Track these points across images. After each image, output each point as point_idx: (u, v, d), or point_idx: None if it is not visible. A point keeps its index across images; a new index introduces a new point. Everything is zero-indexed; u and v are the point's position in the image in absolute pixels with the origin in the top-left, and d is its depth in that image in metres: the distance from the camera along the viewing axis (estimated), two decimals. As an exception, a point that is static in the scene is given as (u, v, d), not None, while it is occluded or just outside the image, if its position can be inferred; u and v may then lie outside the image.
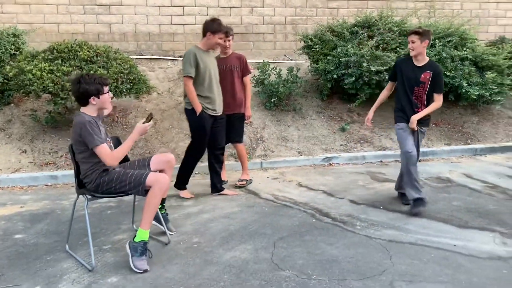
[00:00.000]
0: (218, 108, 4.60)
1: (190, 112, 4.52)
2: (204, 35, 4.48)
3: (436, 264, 3.20)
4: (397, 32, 7.17)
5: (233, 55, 4.98)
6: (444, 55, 6.91)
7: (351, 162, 6.24)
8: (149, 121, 3.32)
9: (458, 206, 4.40)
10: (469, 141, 7.02)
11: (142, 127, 3.26)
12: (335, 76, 6.89)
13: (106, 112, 3.44)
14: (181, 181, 4.76)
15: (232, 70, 4.90)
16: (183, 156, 4.75)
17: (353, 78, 6.77)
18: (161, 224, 3.64)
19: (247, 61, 5.07)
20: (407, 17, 7.63)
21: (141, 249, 3.17)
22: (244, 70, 4.98)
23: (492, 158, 6.54)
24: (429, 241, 3.60)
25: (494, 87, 6.97)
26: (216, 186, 4.82)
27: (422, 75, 4.20)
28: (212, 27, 4.41)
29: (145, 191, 3.20)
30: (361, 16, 7.58)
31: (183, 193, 4.75)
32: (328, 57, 7.06)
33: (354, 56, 6.71)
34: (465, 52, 7.02)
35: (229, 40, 4.84)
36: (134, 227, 3.88)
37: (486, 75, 6.94)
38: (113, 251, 3.45)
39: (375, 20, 7.38)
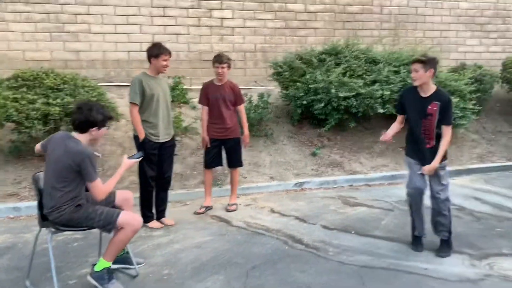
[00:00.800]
0: (161, 134, 4.55)
1: (135, 139, 4.54)
2: (149, 61, 4.54)
3: (408, 288, 3.21)
4: (363, 59, 7.36)
5: (227, 84, 5.11)
6: (409, 81, 7.12)
7: (323, 187, 6.27)
8: (138, 158, 3.36)
9: (428, 229, 4.45)
10: (435, 164, 7.18)
11: (130, 162, 3.26)
12: (304, 102, 6.98)
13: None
14: (143, 214, 4.63)
15: (224, 98, 5.03)
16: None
17: (322, 104, 6.88)
18: (130, 263, 3.52)
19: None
20: (373, 44, 7.87)
21: (108, 275, 3.13)
22: (238, 100, 5.11)
23: (458, 180, 6.70)
24: (401, 265, 3.61)
25: (457, 111, 7.21)
26: (146, 215, 4.63)
27: (429, 107, 3.76)
28: (153, 51, 4.48)
29: (113, 230, 3.13)
30: (328, 44, 7.76)
31: (150, 224, 4.64)
32: (297, 83, 7.17)
33: (322, 83, 6.84)
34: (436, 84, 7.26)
35: (222, 68, 5.00)
36: (102, 260, 3.74)
37: (449, 100, 7.17)
38: (79, 286, 3.31)
39: (342, 48, 7.57)
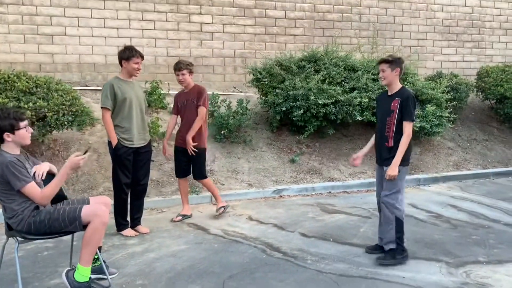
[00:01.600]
0: (135, 139, 4.45)
1: (109, 144, 4.43)
2: (120, 64, 4.47)
3: (386, 298, 3.18)
4: (342, 67, 7.40)
5: (194, 89, 4.99)
6: (386, 88, 7.17)
7: (301, 194, 6.24)
8: (84, 154, 3.13)
9: (405, 237, 4.45)
10: (413, 171, 7.25)
11: (74, 160, 3.05)
12: (283, 108, 6.96)
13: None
14: (117, 222, 4.54)
15: (190, 104, 4.92)
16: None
17: (301, 111, 6.87)
18: (103, 273, 3.40)
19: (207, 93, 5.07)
20: (351, 52, 7.93)
21: None
22: (198, 102, 4.91)
23: (435, 187, 6.78)
24: (379, 274, 3.59)
25: (434, 119, 7.30)
26: (120, 223, 4.55)
27: (392, 104, 3.83)
28: (125, 54, 4.41)
29: (83, 226, 3.00)
30: (308, 51, 7.78)
31: (124, 232, 4.52)
32: (277, 90, 7.15)
33: (301, 90, 6.83)
34: (407, 86, 7.33)
35: (183, 74, 4.88)
36: (72, 270, 3.60)
37: (426, 108, 7.27)
38: (48, 297, 3.17)
39: (321, 55, 7.60)
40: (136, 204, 4.65)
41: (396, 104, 3.79)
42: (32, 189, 2.93)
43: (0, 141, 3.01)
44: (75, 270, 3.06)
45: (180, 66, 4.91)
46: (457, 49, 10.46)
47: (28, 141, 3.11)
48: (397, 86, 3.89)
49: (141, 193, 4.67)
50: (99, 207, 3.04)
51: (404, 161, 3.80)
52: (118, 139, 4.35)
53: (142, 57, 4.48)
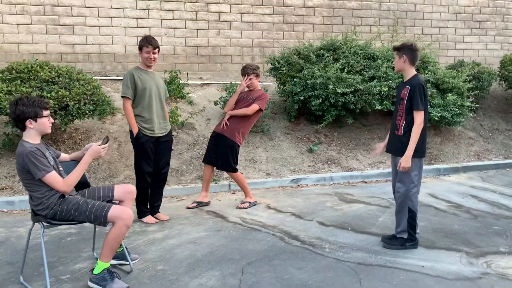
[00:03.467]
0: (156, 128, 4.49)
1: (131, 134, 4.49)
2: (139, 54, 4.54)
3: (405, 287, 3.17)
4: (361, 55, 7.32)
5: (259, 91, 5.13)
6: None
7: (319, 183, 6.24)
8: (105, 143, 3.19)
9: (424, 227, 4.44)
10: (432, 161, 7.17)
11: (96, 149, 3.12)
12: (302, 97, 6.94)
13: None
14: (138, 209, 4.61)
15: (249, 99, 5.03)
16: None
17: (320, 100, 6.84)
18: (126, 259, 3.48)
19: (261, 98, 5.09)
20: (371, 40, 7.83)
21: (108, 275, 3.07)
22: (255, 100, 5.01)
23: (455, 178, 6.69)
24: (398, 263, 3.58)
25: (455, 108, 7.19)
26: (141, 210, 4.62)
27: (403, 91, 3.79)
28: (139, 44, 4.47)
29: (106, 223, 3.08)
30: (327, 39, 7.71)
31: (145, 219, 4.59)
32: (295, 79, 7.12)
33: (320, 79, 6.79)
34: (427, 75, 7.23)
35: (251, 79, 5.03)
36: (95, 255, 3.69)
37: (447, 97, 7.16)
38: (72, 281, 3.26)
39: (340, 43, 7.52)
40: (156, 192, 4.71)
41: (406, 92, 3.74)
42: (53, 178, 2.98)
43: (22, 128, 3.07)
44: (92, 270, 3.14)
45: (247, 71, 5.02)
46: (479, 37, 10.22)
47: (49, 130, 3.16)
48: (410, 73, 3.83)
49: (162, 182, 4.73)
50: (125, 211, 3.09)
51: (418, 152, 3.74)
52: (139, 128, 4.41)
53: (154, 46, 4.43)
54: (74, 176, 3.07)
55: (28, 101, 3.03)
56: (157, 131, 4.51)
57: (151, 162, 4.54)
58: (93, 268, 3.14)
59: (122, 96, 4.42)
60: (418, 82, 3.72)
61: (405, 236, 3.87)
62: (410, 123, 3.73)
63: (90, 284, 3.12)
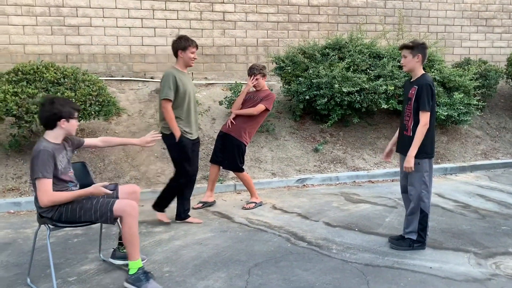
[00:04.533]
0: (194, 131, 4.46)
1: (169, 137, 4.31)
2: (176, 55, 4.39)
3: (413, 288, 3.15)
4: (367, 54, 7.28)
5: (266, 91, 5.11)
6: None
7: (325, 183, 6.22)
8: (111, 190, 3.17)
9: (432, 227, 4.40)
10: (439, 160, 7.12)
11: (100, 189, 3.03)
12: (307, 97, 6.91)
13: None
14: (161, 204, 4.56)
15: (255, 99, 5.02)
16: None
17: (325, 99, 6.81)
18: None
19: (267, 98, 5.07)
20: (376, 39, 7.78)
21: (143, 275, 3.09)
22: (262, 100, 5.00)
23: (462, 177, 6.64)
24: (405, 264, 3.56)
25: (461, 107, 7.14)
26: (180, 214, 4.59)
27: (410, 91, 3.73)
28: (181, 44, 4.34)
29: (114, 219, 3.07)
30: (332, 38, 7.68)
31: (160, 215, 4.56)
32: (300, 78, 7.09)
33: (325, 78, 6.76)
34: (433, 73, 7.18)
35: (257, 79, 5.00)
36: (101, 256, 3.70)
37: (454, 96, 7.10)
38: (79, 283, 3.26)
39: (346, 42, 7.49)
40: (188, 196, 4.61)
41: (413, 92, 3.69)
42: (44, 184, 2.94)
43: (51, 127, 3.08)
44: (128, 271, 3.16)
45: (254, 72, 5.00)
46: (486, 34, 10.14)
47: (74, 132, 3.22)
48: (418, 73, 3.76)
49: (193, 184, 4.66)
50: (129, 204, 3.09)
51: (426, 154, 3.72)
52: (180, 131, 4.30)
53: (197, 46, 4.40)
54: (62, 197, 3.01)
55: (63, 100, 3.10)
56: (194, 134, 4.45)
57: (194, 164, 4.50)
58: (128, 270, 3.16)
59: (164, 99, 4.21)
60: (426, 82, 3.66)
61: (413, 237, 3.84)
62: (417, 123, 3.68)
63: (125, 284, 3.13)
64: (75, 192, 3.05)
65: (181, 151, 4.35)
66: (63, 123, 3.07)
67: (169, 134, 4.31)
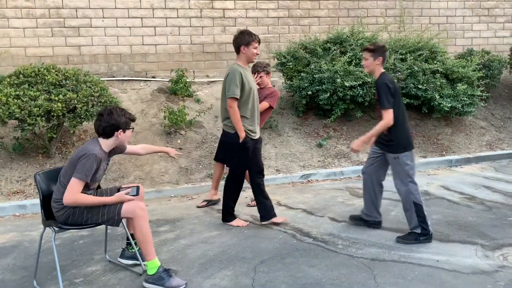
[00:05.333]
0: (257, 130, 4.33)
1: (233, 136, 4.18)
2: (238, 51, 4.22)
3: (420, 282, 3.13)
4: (369, 47, 7.23)
5: (270, 89, 5.06)
6: (416, 68, 7.00)
7: (329, 178, 6.20)
8: (134, 195, 3.20)
9: (438, 220, 4.38)
10: (444, 152, 7.09)
11: (123, 198, 3.10)
12: (309, 92, 6.88)
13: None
14: (227, 213, 4.43)
15: (259, 97, 4.89)
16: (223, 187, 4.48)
17: (328, 94, 6.78)
18: (138, 259, 3.48)
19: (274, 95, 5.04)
20: (378, 32, 7.74)
21: (165, 273, 3.11)
22: (266, 98, 4.96)
23: (467, 168, 6.61)
24: (412, 258, 3.54)
25: (465, 98, 7.09)
26: (230, 213, 4.46)
27: (375, 92, 3.97)
28: (244, 39, 4.15)
29: (119, 222, 3.08)
30: (333, 32, 7.64)
31: (235, 223, 4.41)
32: (302, 73, 7.06)
33: (327, 72, 6.73)
34: (436, 65, 7.13)
35: (261, 77, 4.95)
36: (107, 257, 3.70)
37: (457, 87, 7.06)
38: (85, 284, 3.26)
39: (347, 36, 7.45)
40: (236, 195, 4.50)
41: (376, 92, 3.91)
42: (77, 185, 2.98)
43: (108, 136, 3.14)
44: (145, 272, 3.17)
45: (257, 69, 4.95)
46: (488, 24, 10.05)
47: (126, 143, 3.32)
48: (377, 74, 3.90)
49: (262, 180, 4.55)
50: (137, 205, 3.10)
51: (404, 148, 3.83)
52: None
53: (259, 41, 4.24)
54: (86, 200, 3.04)
55: (120, 111, 3.15)
56: (257, 134, 4.32)
57: (258, 160, 4.39)
58: (145, 271, 3.18)
59: (230, 97, 4.04)
60: (382, 81, 3.80)
61: (418, 231, 3.82)
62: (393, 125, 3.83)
63: (145, 285, 3.14)
64: (100, 199, 3.08)
65: (242, 152, 4.22)
66: (120, 133, 3.14)
67: (233, 134, 4.17)
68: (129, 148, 3.53)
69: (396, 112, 3.77)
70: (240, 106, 4.13)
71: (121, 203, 3.10)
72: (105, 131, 3.13)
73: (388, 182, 5.92)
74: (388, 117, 3.74)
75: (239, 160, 4.29)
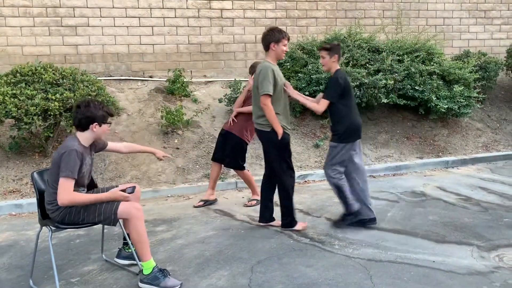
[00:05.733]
0: (289, 126, 4.33)
1: (270, 134, 4.11)
2: (267, 48, 4.20)
3: (416, 282, 3.15)
4: (366, 49, 7.26)
5: None
6: (413, 70, 7.02)
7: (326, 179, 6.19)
8: (130, 193, 3.18)
9: (434, 221, 4.40)
10: (440, 153, 7.11)
11: (119, 194, 3.08)
12: (307, 93, 6.89)
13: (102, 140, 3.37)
14: (292, 217, 4.28)
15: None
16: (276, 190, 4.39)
17: (325, 95, 6.78)
18: (134, 259, 3.47)
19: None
20: (375, 33, 7.76)
21: (160, 273, 3.11)
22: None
23: (464, 170, 6.63)
24: (408, 258, 3.55)
25: (462, 100, 7.12)
26: (293, 217, 4.32)
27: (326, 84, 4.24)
28: (274, 37, 4.12)
29: (116, 221, 3.07)
30: (330, 33, 7.65)
31: (298, 226, 4.27)
32: (299, 74, 7.07)
33: (325, 73, 6.74)
34: (433, 67, 7.16)
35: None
36: (104, 257, 3.69)
37: (454, 89, 7.08)
38: (82, 284, 3.26)
39: (344, 37, 7.46)
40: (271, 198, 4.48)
41: None
42: (68, 184, 2.96)
43: (83, 129, 3.11)
44: (141, 271, 3.16)
45: (255, 70, 4.86)
46: (485, 26, 10.10)
47: (104, 137, 3.26)
48: (333, 70, 4.17)
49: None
50: (133, 205, 3.10)
51: (339, 138, 4.15)
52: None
53: (289, 38, 4.25)
54: (82, 199, 3.02)
55: (98, 104, 3.12)
56: (290, 129, 4.32)
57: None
58: (141, 271, 3.17)
59: (265, 94, 3.99)
60: (335, 76, 4.10)
61: (346, 212, 4.25)
62: (334, 115, 4.18)
63: (141, 285, 3.14)
64: (96, 196, 3.07)
65: (283, 148, 4.16)
66: (95, 126, 3.10)
67: (270, 131, 4.11)
68: (111, 145, 3.49)
69: (342, 108, 4.10)
70: (273, 102, 4.07)
71: (117, 202, 3.10)
72: (81, 123, 3.09)
73: (385, 183, 5.96)
74: (322, 105, 4.12)
75: (280, 157, 4.18)
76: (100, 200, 3.07)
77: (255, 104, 4.19)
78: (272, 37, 4.13)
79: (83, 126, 3.10)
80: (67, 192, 2.96)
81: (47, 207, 3.09)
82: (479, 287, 3.07)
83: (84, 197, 3.03)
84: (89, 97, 5.55)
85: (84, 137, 3.13)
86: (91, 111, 3.07)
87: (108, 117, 3.18)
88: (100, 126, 3.13)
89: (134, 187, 3.24)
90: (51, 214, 3.06)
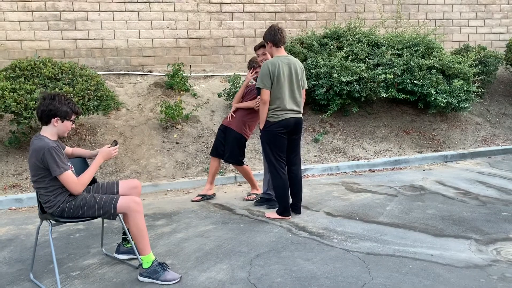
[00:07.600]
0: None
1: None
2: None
3: (414, 276, 3.17)
4: (365, 43, 7.25)
5: None
6: (412, 64, 7.02)
7: (325, 173, 6.22)
8: (115, 145, 3.22)
9: (432, 214, 4.42)
10: (439, 148, 7.12)
11: (107, 151, 3.17)
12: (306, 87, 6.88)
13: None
14: (281, 206, 4.50)
15: (254, 92, 5.01)
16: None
17: (324, 89, 6.79)
18: (134, 254, 3.49)
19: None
20: (375, 27, 7.74)
21: (159, 267, 3.13)
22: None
23: (463, 164, 6.65)
24: (407, 252, 3.57)
25: (461, 94, 7.12)
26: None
27: None
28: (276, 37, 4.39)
29: (116, 215, 3.09)
30: (330, 27, 7.64)
31: (271, 215, 4.52)
32: (298, 68, 7.06)
33: (324, 68, 6.74)
34: (432, 61, 7.15)
35: (257, 72, 4.93)
36: (104, 251, 3.71)
37: (453, 83, 7.08)
38: (82, 277, 3.27)
39: (344, 31, 7.45)
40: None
41: None
42: (69, 177, 2.98)
43: (46, 123, 3.07)
44: (141, 265, 3.17)
45: (253, 65, 5.00)
46: (485, 20, 10.08)
47: (66, 135, 3.20)
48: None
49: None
50: (132, 199, 3.11)
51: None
52: None
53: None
54: (87, 177, 3.08)
55: (64, 99, 3.07)
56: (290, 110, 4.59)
57: None
58: (140, 264, 3.18)
59: (304, 88, 4.48)
60: (265, 63, 4.15)
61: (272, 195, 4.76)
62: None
63: (140, 278, 3.15)
64: (93, 165, 3.12)
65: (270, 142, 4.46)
66: (56, 121, 3.05)
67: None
68: (67, 149, 3.39)
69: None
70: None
71: (117, 196, 3.11)
72: (42, 115, 3.04)
73: (384, 177, 5.97)
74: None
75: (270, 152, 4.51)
76: (97, 165, 3.14)
77: (301, 96, 4.49)
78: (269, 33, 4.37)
79: (44, 119, 3.05)
80: (74, 183, 3.00)
81: (44, 206, 3.09)
82: (477, 280, 3.09)
83: (88, 174, 3.09)
84: (87, 91, 5.55)
85: (48, 132, 3.08)
86: (55, 104, 3.01)
87: (72, 115, 3.10)
88: (62, 122, 3.06)
89: (115, 142, 3.29)
90: (49, 210, 3.07)
